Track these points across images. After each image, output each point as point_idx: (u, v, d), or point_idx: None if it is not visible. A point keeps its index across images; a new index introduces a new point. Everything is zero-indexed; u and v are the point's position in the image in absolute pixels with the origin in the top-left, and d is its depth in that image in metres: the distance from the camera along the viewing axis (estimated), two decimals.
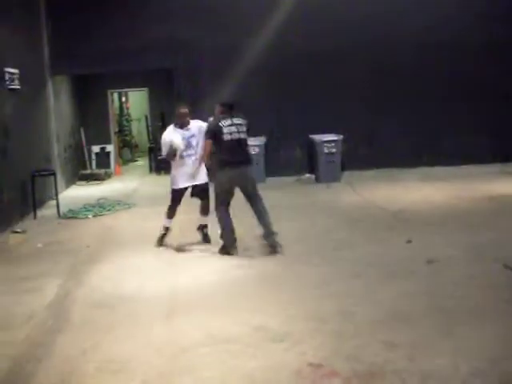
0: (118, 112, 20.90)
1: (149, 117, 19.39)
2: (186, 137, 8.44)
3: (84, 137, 17.74)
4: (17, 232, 9.68)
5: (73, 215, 11.47)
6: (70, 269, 7.78)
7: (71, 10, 14.04)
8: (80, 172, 17.07)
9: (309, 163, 14.54)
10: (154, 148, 17.67)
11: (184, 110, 8.61)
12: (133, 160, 21.14)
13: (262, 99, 14.24)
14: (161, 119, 18.08)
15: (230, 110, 8.09)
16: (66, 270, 7.72)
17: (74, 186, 16.04)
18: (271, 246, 7.97)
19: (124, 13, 14.17)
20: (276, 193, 12.57)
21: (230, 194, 8.18)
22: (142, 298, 6.45)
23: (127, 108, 22.36)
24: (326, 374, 4.47)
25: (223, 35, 14.14)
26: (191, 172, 8.38)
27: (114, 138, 18.78)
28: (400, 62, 14.48)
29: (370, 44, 14.30)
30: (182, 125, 8.51)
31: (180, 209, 8.75)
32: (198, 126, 8.58)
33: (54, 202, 12.10)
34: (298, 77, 14.32)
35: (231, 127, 7.93)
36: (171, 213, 8.64)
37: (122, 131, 20.88)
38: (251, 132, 8.44)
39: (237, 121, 8.02)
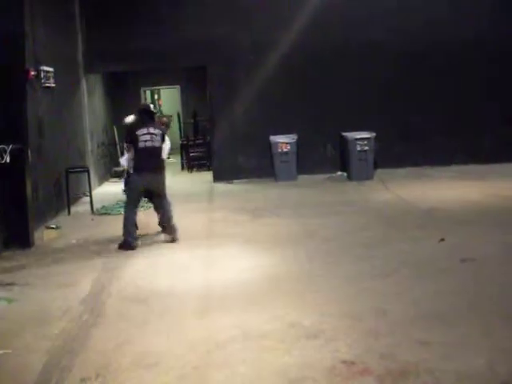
0: None
1: (181, 114, 19.46)
2: None
3: (117, 134, 17.89)
4: (51, 228, 9.80)
5: (106, 211, 11.59)
6: (104, 264, 7.87)
7: (105, 8, 14.18)
8: (113, 169, 17.22)
9: (341, 161, 14.48)
10: (186, 145, 17.76)
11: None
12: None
13: (294, 96, 14.24)
14: (193, 116, 18.17)
15: (148, 117, 8.81)
16: (100, 265, 7.81)
17: (106, 182, 16.20)
18: (170, 235, 8.87)
19: (157, 11, 14.26)
20: (307, 191, 12.61)
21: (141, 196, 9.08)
22: (176, 294, 6.51)
23: (159, 105, 22.50)
24: (359, 371, 4.46)
25: (256, 33, 14.17)
26: None
27: None
28: (435, 58, 14.35)
29: (405, 40, 14.18)
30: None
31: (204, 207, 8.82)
32: None
33: (87, 199, 12.25)
34: (330, 73, 14.26)
35: (146, 136, 8.60)
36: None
37: None
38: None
39: (152, 130, 8.68)
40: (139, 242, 8.73)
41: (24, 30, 9.39)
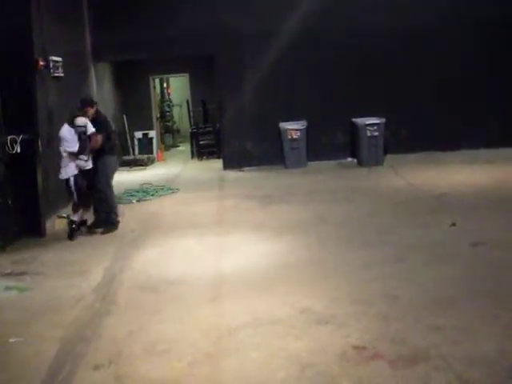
0: (159, 98, 21.02)
1: (190, 102, 19.44)
2: None
3: (126, 123, 17.91)
4: (63, 217, 9.83)
5: (117, 200, 11.59)
6: (116, 253, 7.91)
7: None
8: (123, 158, 17.24)
9: (351, 147, 14.43)
10: (196, 133, 17.77)
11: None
12: (175, 145, 21.26)
13: (303, 82, 14.18)
14: (202, 104, 18.15)
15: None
16: (111, 253, 7.86)
17: (116, 171, 16.18)
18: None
19: None
20: (318, 177, 12.59)
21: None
22: (187, 281, 6.54)
23: (168, 93, 22.48)
24: (371, 356, 4.48)
25: (264, 19, 14.07)
26: None
27: (156, 123, 18.91)
28: (442, 44, 14.23)
29: (414, 24, 14.04)
30: None
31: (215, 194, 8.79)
32: None
33: None
34: (340, 58, 14.17)
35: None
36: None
37: (164, 117, 21.01)
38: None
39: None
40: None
41: (32, 20, 9.41)
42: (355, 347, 4.63)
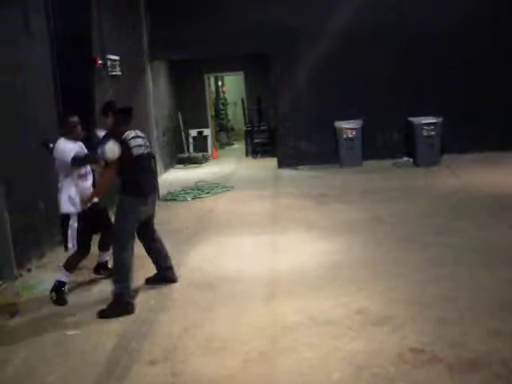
0: (214, 96, 21.13)
1: (245, 100, 19.49)
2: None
3: (181, 121, 18.07)
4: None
5: (172, 198, 11.73)
6: (171, 250, 7.92)
7: None
8: (178, 156, 17.43)
9: (406, 146, 14.23)
10: (251, 131, 17.81)
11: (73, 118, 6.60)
12: (229, 143, 21.35)
13: (359, 81, 14.04)
14: (257, 103, 18.17)
15: (129, 116, 6.28)
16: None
17: (172, 169, 16.39)
18: (172, 277, 6.63)
19: None
20: (373, 176, 12.46)
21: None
22: (242, 279, 6.55)
23: (223, 92, 22.59)
24: (428, 359, 4.40)
25: (321, 18, 13.98)
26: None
27: (211, 121, 19.02)
28: (506, 42, 13.90)
29: (472, 24, 13.79)
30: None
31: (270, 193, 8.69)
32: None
33: None
34: (395, 58, 13.99)
35: (137, 139, 6.15)
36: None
37: (219, 115, 21.12)
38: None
39: (138, 133, 6.29)
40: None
41: (91, 20, 9.55)
42: (412, 350, 4.55)
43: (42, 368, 4.78)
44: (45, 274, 7.24)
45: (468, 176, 11.64)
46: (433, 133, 13.37)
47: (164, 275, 6.59)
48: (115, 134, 5.96)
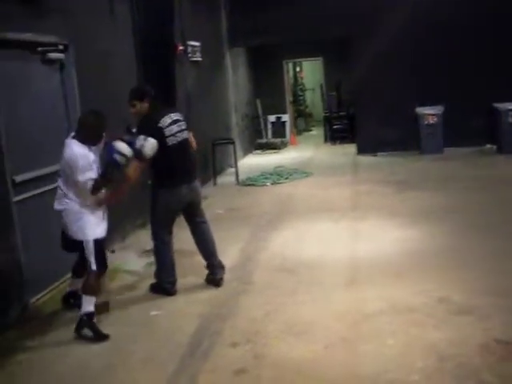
0: (292, 82, 21.08)
1: (324, 86, 19.35)
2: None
3: (260, 106, 18.12)
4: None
5: (251, 182, 11.80)
6: (251, 234, 8.02)
7: None
8: (256, 141, 17.52)
9: (490, 133, 13.80)
10: (330, 117, 17.69)
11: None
12: (307, 129, 21.29)
13: (439, 66, 13.69)
14: (336, 88, 18.01)
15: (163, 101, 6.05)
16: (246, 235, 7.98)
17: (250, 154, 16.49)
18: (217, 277, 6.22)
19: None
20: (454, 164, 12.18)
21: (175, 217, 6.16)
22: (322, 264, 6.53)
23: (301, 78, 22.50)
24: None
25: (397, 3, 13.70)
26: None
27: (289, 107, 18.99)
28: None
29: None
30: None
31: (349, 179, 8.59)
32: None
33: (232, 170, 12.53)
34: (477, 43, 13.55)
35: (173, 126, 5.81)
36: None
37: (297, 101, 21.08)
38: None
39: (175, 116, 5.92)
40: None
41: (172, 6, 9.66)
42: (498, 341, 4.43)
43: (128, 346, 4.90)
44: (128, 254, 7.47)
45: None
46: None
47: (209, 272, 6.24)
48: (151, 120, 5.70)
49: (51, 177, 6.16)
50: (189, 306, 5.71)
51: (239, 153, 14.61)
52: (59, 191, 5.25)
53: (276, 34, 14.63)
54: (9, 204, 5.64)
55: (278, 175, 12.25)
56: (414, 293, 5.48)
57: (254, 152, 16.92)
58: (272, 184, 11.56)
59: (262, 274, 6.42)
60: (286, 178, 11.92)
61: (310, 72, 22.68)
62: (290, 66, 20.82)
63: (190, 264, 6.65)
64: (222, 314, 5.44)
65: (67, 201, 5.19)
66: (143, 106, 5.78)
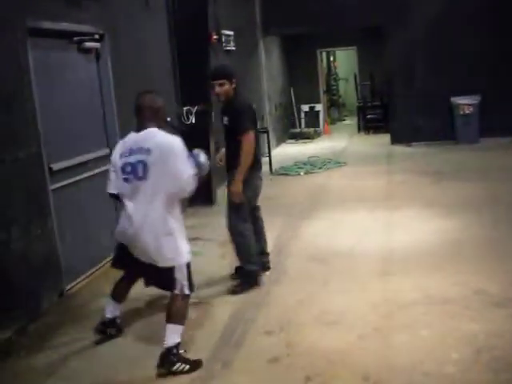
0: (326, 71, 20.97)
1: (357, 75, 19.21)
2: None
3: (293, 96, 18.06)
4: None
5: (285, 172, 11.79)
6: (284, 223, 8.01)
7: None
8: (290, 130, 17.48)
9: None
10: (363, 107, 17.57)
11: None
12: (340, 119, 21.18)
13: (477, 55, 13.48)
14: (370, 78, 17.87)
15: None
16: (279, 224, 7.95)
17: (283, 144, 16.46)
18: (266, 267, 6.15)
19: None
20: (491, 154, 12.01)
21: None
22: (356, 254, 6.51)
23: (335, 67, 22.36)
24: None
25: None
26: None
27: (322, 97, 18.90)
28: None
29: None
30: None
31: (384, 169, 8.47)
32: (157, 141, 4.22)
33: (265, 159, 12.49)
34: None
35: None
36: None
37: (330, 90, 20.97)
38: None
39: None
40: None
41: None
42: None
43: (161, 332, 4.94)
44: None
45: None
46: None
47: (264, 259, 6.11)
48: (241, 101, 5.53)
49: (87, 165, 6.23)
50: (222, 293, 5.73)
51: (272, 142, 14.58)
52: (135, 201, 4.18)
53: (310, 23, 14.54)
54: (46, 192, 5.73)
55: (312, 165, 12.22)
56: (450, 284, 5.42)
57: (288, 141, 16.89)
58: (305, 174, 11.53)
59: (295, 263, 6.42)
60: (320, 168, 11.88)
61: (343, 61, 22.50)
62: (324, 55, 20.70)
63: (224, 252, 6.67)
64: (255, 302, 5.46)
65: (151, 212, 4.14)
66: (231, 87, 5.50)
